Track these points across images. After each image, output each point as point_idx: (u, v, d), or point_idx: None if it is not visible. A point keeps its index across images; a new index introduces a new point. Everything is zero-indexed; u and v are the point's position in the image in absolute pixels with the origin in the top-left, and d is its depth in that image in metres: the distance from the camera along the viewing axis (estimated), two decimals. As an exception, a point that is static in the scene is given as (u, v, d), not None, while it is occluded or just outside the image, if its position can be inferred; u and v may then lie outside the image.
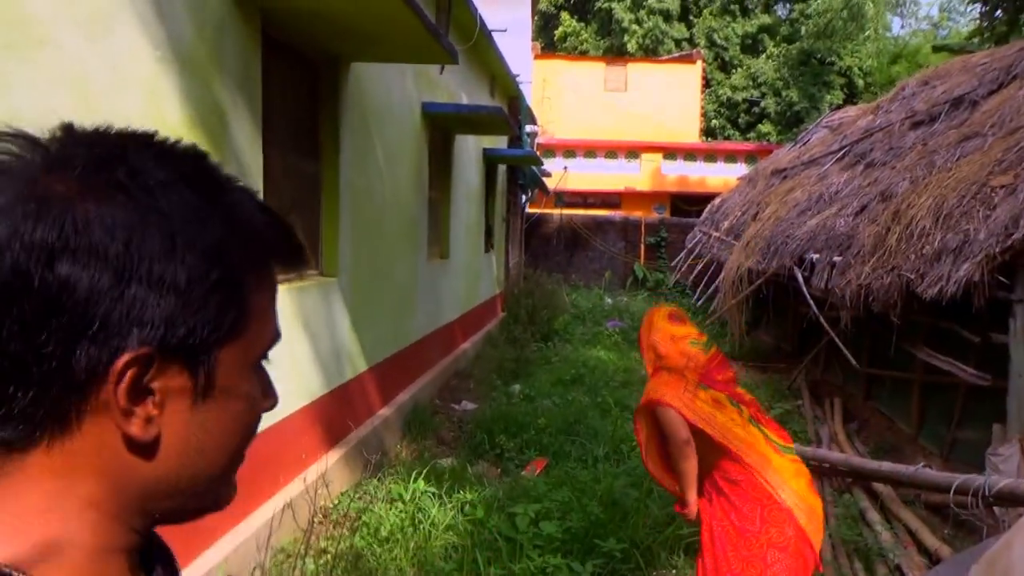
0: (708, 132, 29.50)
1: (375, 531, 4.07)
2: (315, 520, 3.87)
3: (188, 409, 0.55)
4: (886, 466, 4.73)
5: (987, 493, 3.92)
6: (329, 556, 3.71)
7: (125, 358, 0.51)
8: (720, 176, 21.96)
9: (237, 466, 0.62)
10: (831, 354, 8.31)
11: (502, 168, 13.34)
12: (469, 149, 9.92)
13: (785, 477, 2.55)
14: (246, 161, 3.70)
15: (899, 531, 4.72)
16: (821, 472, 5.74)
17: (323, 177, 5.00)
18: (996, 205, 4.62)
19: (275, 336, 0.62)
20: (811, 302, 7.18)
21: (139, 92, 2.88)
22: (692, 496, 2.70)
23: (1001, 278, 4.60)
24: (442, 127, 8.20)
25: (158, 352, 0.52)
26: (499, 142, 11.94)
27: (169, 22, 3.03)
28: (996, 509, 4.66)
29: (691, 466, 2.62)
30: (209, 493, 0.60)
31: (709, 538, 2.64)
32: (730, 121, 30.37)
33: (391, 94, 6.20)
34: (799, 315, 9.15)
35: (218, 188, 0.57)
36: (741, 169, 21.10)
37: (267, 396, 0.63)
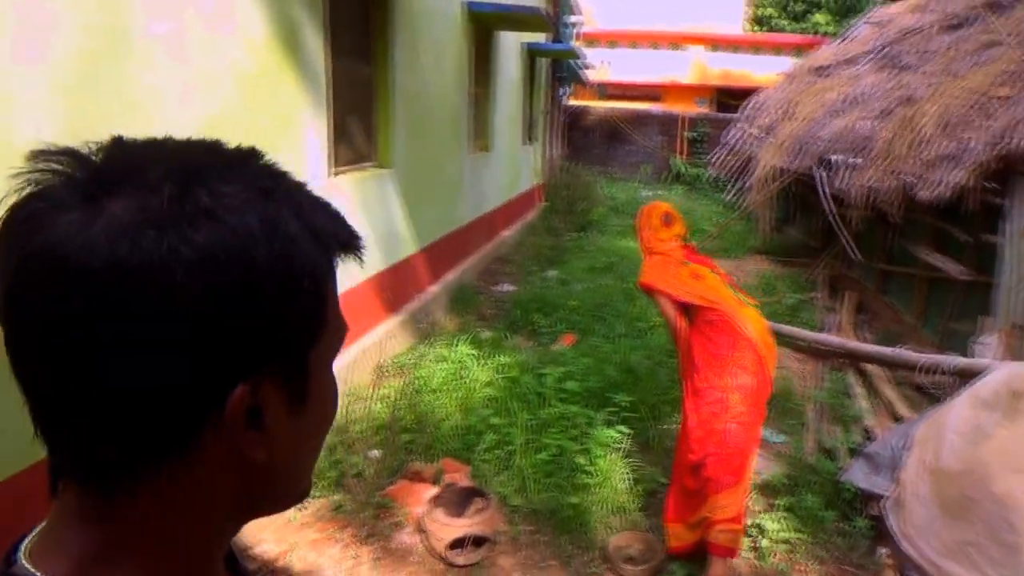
0: (757, 21, 28.56)
1: (427, 383, 4.90)
2: (380, 372, 4.70)
3: (287, 420, 0.55)
4: (871, 347, 5.36)
5: (950, 368, 4.57)
6: (391, 400, 4.55)
7: (239, 390, 0.51)
8: (765, 70, 21.63)
9: (319, 455, 0.63)
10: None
11: (544, 62, 13.55)
12: (511, 44, 10.24)
13: (749, 319, 3.31)
14: (316, 71, 4.29)
15: (879, 404, 5.41)
16: (819, 354, 6.42)
17: (376, 79, 5.56)
18: (994, 115, 5.01)
19: (346, 328, 0.63)
20: (828, 201, 7.63)
21: (230, 18, 3.44)
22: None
23: (994, 184, 5.05)
24: (484, 24, 8.55)
25: (263, 376, 0.53)
26: (540, 36, 12.16)
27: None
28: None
29: (679, 341, 3.46)
30: (297, 489, 0.62)
31: (690, 363, 3.38)
32: (783, 9, 29.29)
33: (437, -4, 6.62)
34: (824, 213, 9.57)
35: (289, 195, 0.55)
36: (787, 63, 20.73)
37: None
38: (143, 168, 0.50)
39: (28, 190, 0.49)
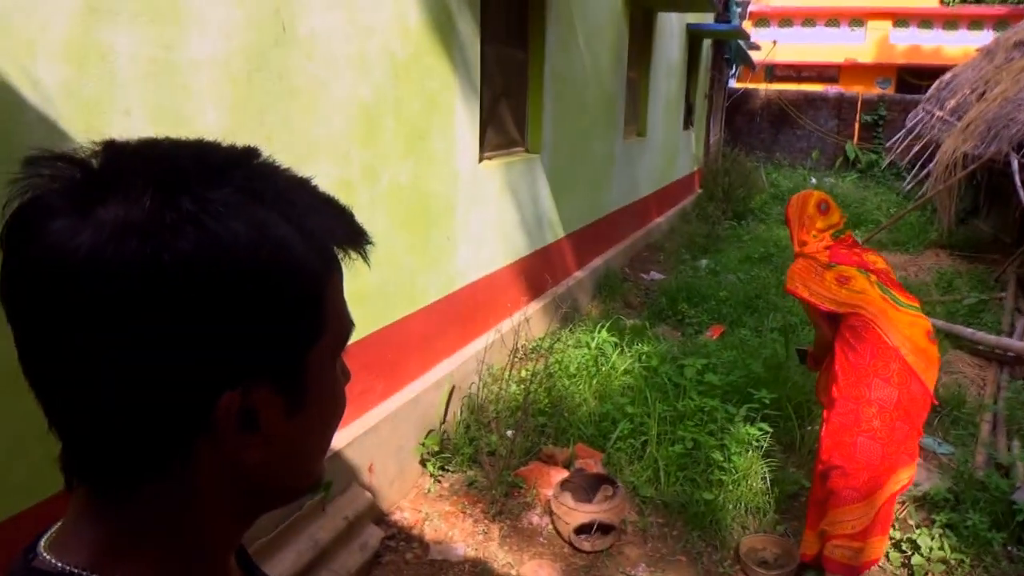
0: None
1: (564, 367, 4.93)
2: (517, 355, 4.78)
3: (284, 421, 0.56)
4: (1063, 356, 4.78)
5: None
6: (527, 383, 4.62)
7: (227, 396, 0.52)
8: (960, 46, 19.70)
9: (327, 449, 0.64)
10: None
11: (707, 43, 13.09)
12: (672, 25, 9.97)
13: (898, 326, 3.01)
14: (468, 55, 4.39)
15: (1069, 420, 4.82)
16: (1000, 360, 5.80)
17: (530, 64, 5.61)
18: None
19: (351, 325, 0.62)
20: (1022, 191, 6.85)
21: (386, 3, 3.58)
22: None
23: None
24: (644, 5, 8.37)
25: (254, 380, 0.53)
26: (704, 16, 11.74)
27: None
28: None
29: (820, 347, 3.33)
30: (305, 484, 0.63)
31: (832, 371, 3.18)
32: (987, -23, 26.41)
33: (595, -20, 6.55)
34: (1018, 204, 8.60)
35: (281, 197, 0.54)
36: (987, 38, 18.76)
37: (344, 373, 0.64)
38: (131, 174, 0.50)
39: (28, 195, 0.50)
